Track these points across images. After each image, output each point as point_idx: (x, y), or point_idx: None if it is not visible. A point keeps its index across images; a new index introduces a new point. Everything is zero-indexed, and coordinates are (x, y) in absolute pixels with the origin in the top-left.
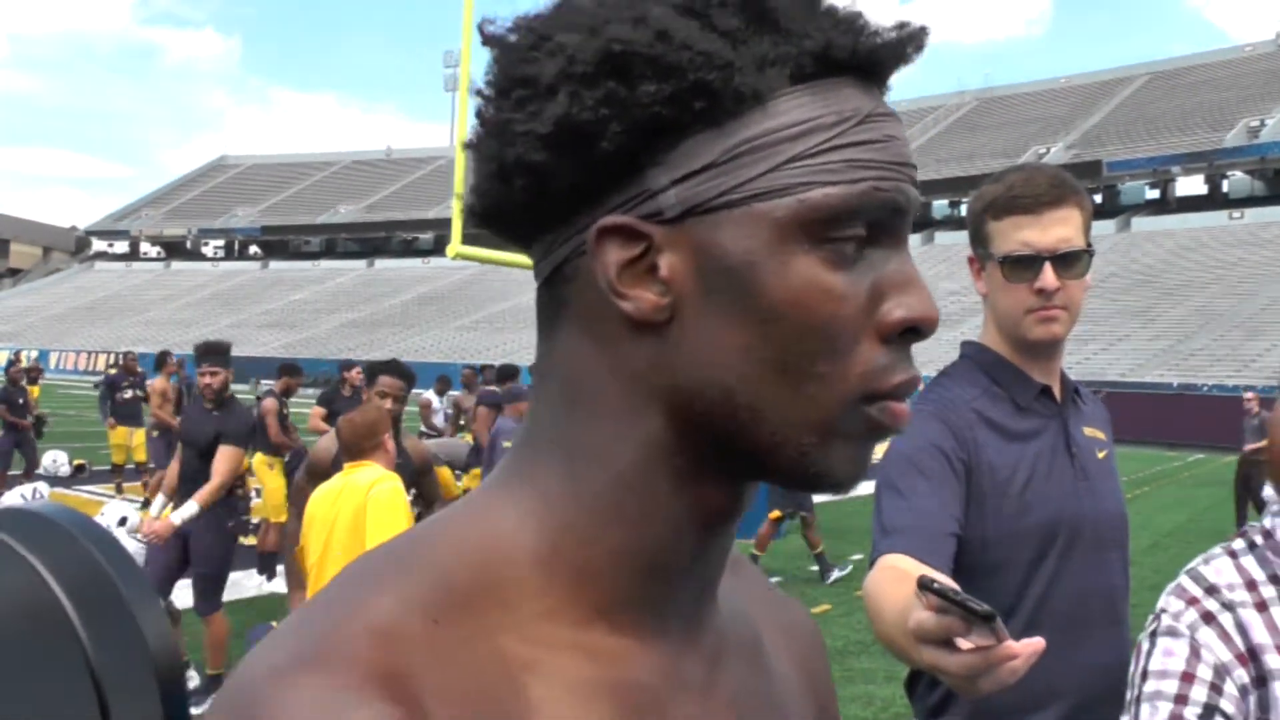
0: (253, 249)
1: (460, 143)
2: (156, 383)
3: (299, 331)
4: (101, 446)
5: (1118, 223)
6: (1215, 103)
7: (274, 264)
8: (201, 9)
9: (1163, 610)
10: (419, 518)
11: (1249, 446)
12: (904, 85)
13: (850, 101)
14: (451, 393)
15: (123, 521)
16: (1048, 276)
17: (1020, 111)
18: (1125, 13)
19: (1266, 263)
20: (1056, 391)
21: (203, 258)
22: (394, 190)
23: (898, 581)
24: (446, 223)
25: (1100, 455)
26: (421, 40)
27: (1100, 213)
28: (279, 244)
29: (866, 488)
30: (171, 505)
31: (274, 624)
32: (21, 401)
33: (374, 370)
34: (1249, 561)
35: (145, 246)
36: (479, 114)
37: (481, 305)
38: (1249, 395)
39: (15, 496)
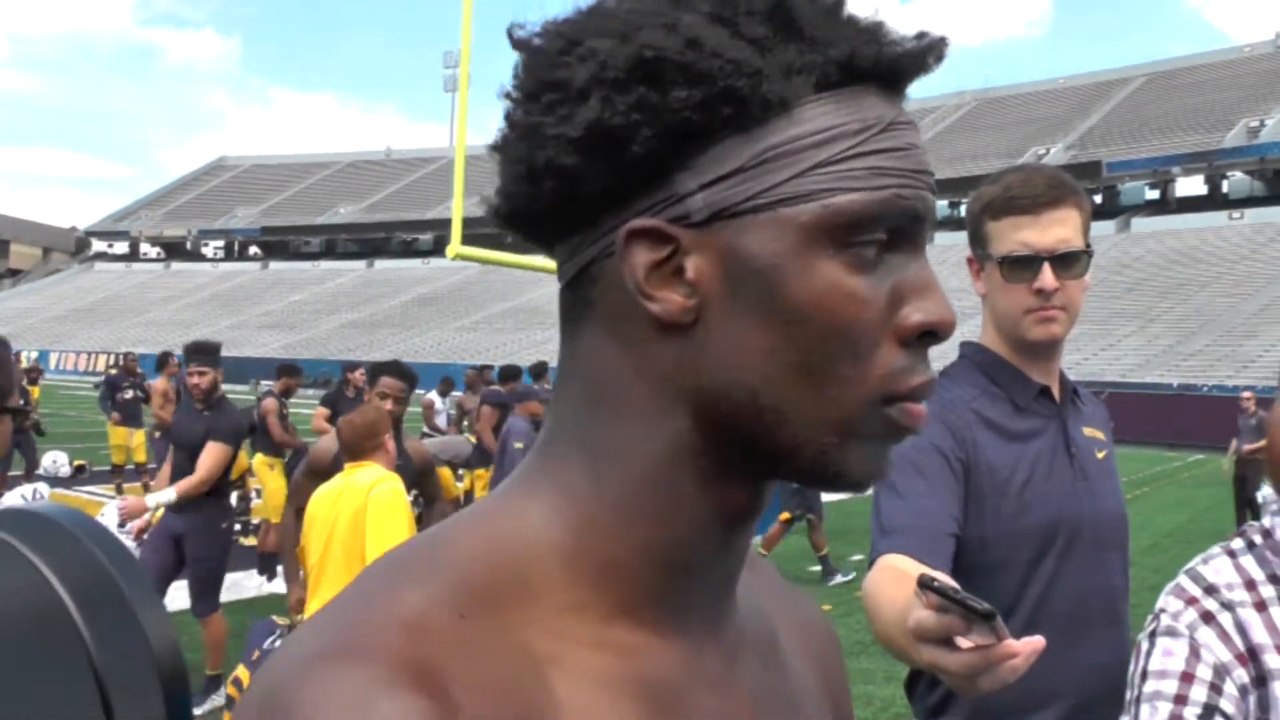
0: (252, 250)
1: (460, 143)
2: (158, 383)
3: (299, 332)
4: (101, 447)
5: (1117, 223)
6: (1215, 103)
7: (274, 265)
8: (201, 9)
9: (1162, 610)
10: (419, 518)
11: (1247, 446)
12: None
13: (873, 109)
14: (454, 393)
15: (123, 523)
16: (1046, 277)
17: (1020, 112)
18: (1125, 13)
19: (1266, 263)
20: (1055, 392)
21: (202, 258)
22: (394, 191)
23: (897, 581)
24: (446, 223)
25: (1100, 455)
26: (421, 40)
27: (1100, 213)
28: (279, 244)
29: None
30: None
31: (275, 619)
32: (22, 402)
33: (376, 371)
34: (1248, 561)
35: (145, 247)
36: (507, 117)
37: (481, 306)
38: (1246, 394)
39: (16, 497)
